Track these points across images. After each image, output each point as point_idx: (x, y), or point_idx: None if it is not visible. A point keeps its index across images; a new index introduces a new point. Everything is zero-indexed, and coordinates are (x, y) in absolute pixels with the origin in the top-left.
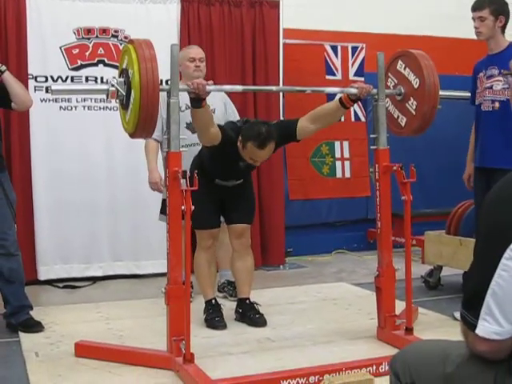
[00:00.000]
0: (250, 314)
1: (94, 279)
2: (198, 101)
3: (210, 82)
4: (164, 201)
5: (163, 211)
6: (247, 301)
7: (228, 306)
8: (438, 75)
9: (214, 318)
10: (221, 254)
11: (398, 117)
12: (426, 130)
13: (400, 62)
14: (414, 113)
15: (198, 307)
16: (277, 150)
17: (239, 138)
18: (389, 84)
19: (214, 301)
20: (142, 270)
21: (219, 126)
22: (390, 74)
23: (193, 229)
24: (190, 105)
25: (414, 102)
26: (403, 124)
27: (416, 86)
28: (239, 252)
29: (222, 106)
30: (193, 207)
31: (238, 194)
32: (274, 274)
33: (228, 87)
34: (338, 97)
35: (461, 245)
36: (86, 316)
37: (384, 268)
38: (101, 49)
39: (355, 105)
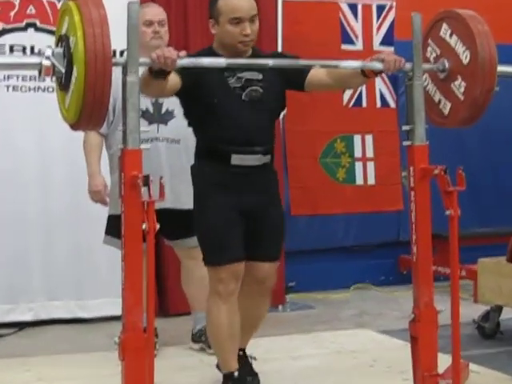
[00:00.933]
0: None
1: (20, 325)
2: (161, 73)
3: (183, 52)
4: (111, 217)
5: (110, 231)
6: (241, 352)
7: (206, 362)
8: (496, 46)
9: None
10: (192, 289)
11: (440, 101)
12: (477, 120)
13: (445, 25)
14: (461, 97)
15: (164, 364)
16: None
17: (210, 23)
18: (428, 55)
19: (236, 373)
20: (87, 313)
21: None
22: (430, 41)
23: (206, 263)
24: None
25: (463, 83)
26: (446, 111)
27: (466, 62)
28: (256, 299)
29: None
30: (203, 223)
31: (266, 212)
32: (271, 317)
33: (207, 61)
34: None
35: None
36: (9, 376)
37: (422, 309)
38: (31, 7)
39: (382, 84)
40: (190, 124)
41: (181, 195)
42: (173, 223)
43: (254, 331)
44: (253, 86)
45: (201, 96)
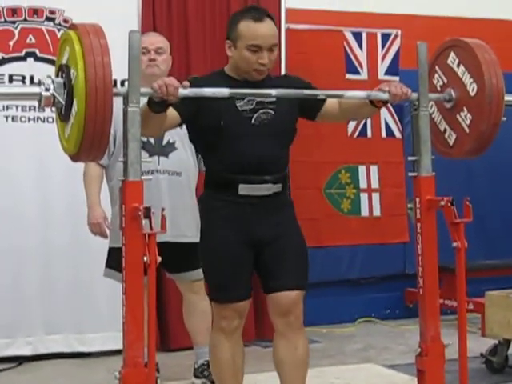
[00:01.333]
0: None
1: (19, 359)
2: (161, 105)
3: (186, 83)
4: (111, 250)
5: (110, 264)
6: None
7: None
8: (503, 74)
9: None
10: (194, 323)
11: (446, 131)
12: (482, 153)
13: (453, 54)
14: (467, 129)
15: None
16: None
17: (227, 44)
18: (435, 82)
19: None
20: (87, 347)
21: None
22: (437, 69)
23: (210, 298)
24: None
25: (469, 116)
26: (451, 142)
27: (472, 94)
28: (285, 335)
29: None
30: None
31: (282, 238)
32: (266, 353)
33: (209, 91)
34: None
35: None
36: None
37: (429, 343)
38: (30, 36)
39: (387, 113)
40: (197, 150)
41: (182, 228)
42: (174, 256)
43: (302, 379)
44: (264, 108)
45: (206, 120)
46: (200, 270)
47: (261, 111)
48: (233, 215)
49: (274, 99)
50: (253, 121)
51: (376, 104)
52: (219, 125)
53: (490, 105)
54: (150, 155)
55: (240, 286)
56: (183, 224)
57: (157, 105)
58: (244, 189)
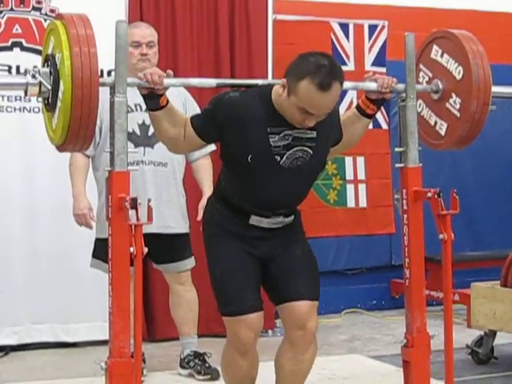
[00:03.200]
0: None
1: (5, 349)
2: (153, 98)
3: (169, 71)
4: (98, 240)
5: (97, 254)
6: None
7: None
8: (489, 65)
9: None
10: (180, 314)
11: (436, 123)
12: (474, 139)
13: (435, 47)
14: (457, 114)
15: None
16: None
17: (282, 82)
18: (420, 80)
19: None
20: (72, 337)
21: (193, 116)
22: (421, 66)
23: (221, 313)
24: (141, 106)
25: (458, 99)
26: (443, 132)
27: (459, 77)
28: (296, 346)
29: (180, 107)
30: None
31: (290, 248)
32: (260, 343)
33: (196, 81)
34: (349, 96)
35: None
36: None
37: (414, 334)
38: (17, 26)
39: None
40: (220, 157)
41: (167, 220)
42: (160, 247)
43: None
44: (302, 146)
45: (234, 150)
46: (187, 261)
47: (296, 148)
48: (240, 233)
49: (315, 135)
50: (284, 158)
51: (366, 111)
52: (246, 160)
53: (477, 84)
54: (136, 146)
55: (252, 297)
56: (168, 215)
57: (148, 99)
58: (255, 220)
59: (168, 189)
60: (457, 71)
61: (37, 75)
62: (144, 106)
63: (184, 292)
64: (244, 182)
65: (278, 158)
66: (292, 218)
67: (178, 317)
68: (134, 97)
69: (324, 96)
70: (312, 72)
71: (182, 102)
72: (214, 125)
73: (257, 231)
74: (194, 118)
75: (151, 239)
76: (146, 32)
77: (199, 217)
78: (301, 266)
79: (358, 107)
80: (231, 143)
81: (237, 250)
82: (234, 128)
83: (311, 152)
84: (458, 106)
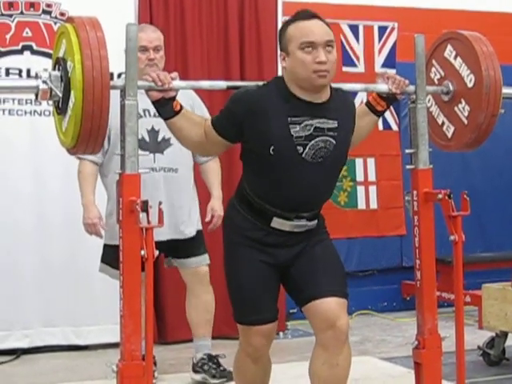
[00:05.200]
0: None
1: (16, 352)
2: (165, 104)
3: (174, 73)
4: (106, 246)
5: (104, 260)
6: None
7: None
8: (500, 67)
9: None
10: (196, 315)
11: (444, 123)
12: (482, 144)
13: (450, 47)
14: (465, 121)
15: None
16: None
17: (280, 55)
18: (432, 76)
19: None
20: (83, 340)
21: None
22: (434, 62)
23: (235, 319)
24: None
25: (467, 107)
26: (450, 135)
27: (470, 85)
28: (328, 348)
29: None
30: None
31: (312, 249)
32: (271, 345)
33: (206, 83)
34: (359, 97)
35: None
36: None
37: (426, 336)
38: (27, 30)
39: None
40: (240, 158)
41: (180, 226)
42: (177, 247)
43: None
44: (324, 136)
45: (255, 144)
46: (202, 257)
47: (318, 138)
48: (260, 241)
49: (336, 125)
50: (307, 149)
51: (376, 107)
52: (268, 153)
53: (487, 96)
54: (149, 151)
55: (267, 308)
56: (181, 222)
57: (159, 105)
58: (277, 223)
59: (180, 195)
60: (468, 78)
61: (47, 80)
62: (153, 111)
63: (201, 293)
64: (266, 179)
65: (301, 148)
66: (315, 222)
67: (193, 318)
68: (142, 102)
69: (311, 23)
70: (290, 19)
71: (190, 104)
72: (235, 122)
73: (278, 237)
74: (213, 118)
75: (164, 245)
76: (152, 36)
77: (207, 218)
78: (324, 264)
79: (368, 103)
80: (252, 137)
81: (255, 260)
82: (254, 121)
83: (334, 142)
84: (466, 114)
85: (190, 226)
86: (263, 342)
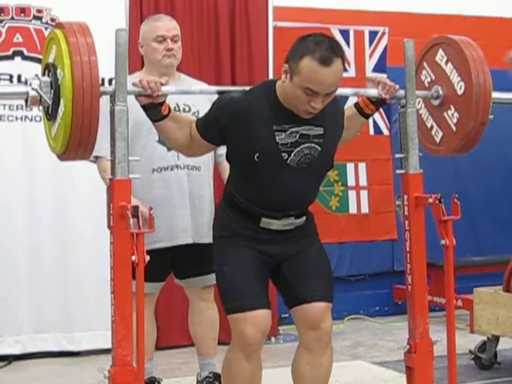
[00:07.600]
0: None
1: (8, 358)
2: (153, 108)
3: (165, 78)
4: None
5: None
6: None
7: None
8: (490, 71)
9: None
10: (201, 332)
11: (432, 127)
12: (470, 150)
13: (441, 51)
14: (453, 128)
15: None
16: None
17: (284, 67)
18: (423, 79)
19: None
20: (75, 346)
21: (199, 120)
22: (425, 65)
23: (227, 311)
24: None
25: (456, 114)
26: (438, 140)
27: (460, 93)
28: (312, 350)
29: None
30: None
31: (303, 250)
32: (262, 350)
33: (196, 88)
34: (350, 101)
35: None
36: None
37: (417, 340)
38: (18, 35)
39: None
40: (226, 158)
41: (200, 229)
42: (189, 259)
43: None
44: (309, 142)
45: (239, 149)
46: (212, 276)
47: (304, 145)
48: (251, 236)
49: (322, 131)
50: (292, 156)
51: (365, 110)
52: (253, 159)
53: (477, 104)
54: (168, 150)
55: (257, 294)
56: (201, 223)
57: (148, 109)
58: (266, 223)
59: (201, 195)
60: (459, 86)
61: (37, 88)
62: (182, 106)
63: (206, 309)
64: (252, 183)
65: (286, 155)
66: (303, 219)
67: (197, 335)
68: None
69: (326, 70)
70: (312, 49)
71: (211, 101)
72: (219, 128)
73: (268, 234)
74: (198, 122)
75: (184, 251)
76: (170, 25)
77: None
78: (314, 268)
79: (357, 105)
80: (237, 144)
81: (246, 249)
82: (239, 128)
83: (319, 149)
84: (455, 120)
85: (209, 230)
86: (257, 334)
